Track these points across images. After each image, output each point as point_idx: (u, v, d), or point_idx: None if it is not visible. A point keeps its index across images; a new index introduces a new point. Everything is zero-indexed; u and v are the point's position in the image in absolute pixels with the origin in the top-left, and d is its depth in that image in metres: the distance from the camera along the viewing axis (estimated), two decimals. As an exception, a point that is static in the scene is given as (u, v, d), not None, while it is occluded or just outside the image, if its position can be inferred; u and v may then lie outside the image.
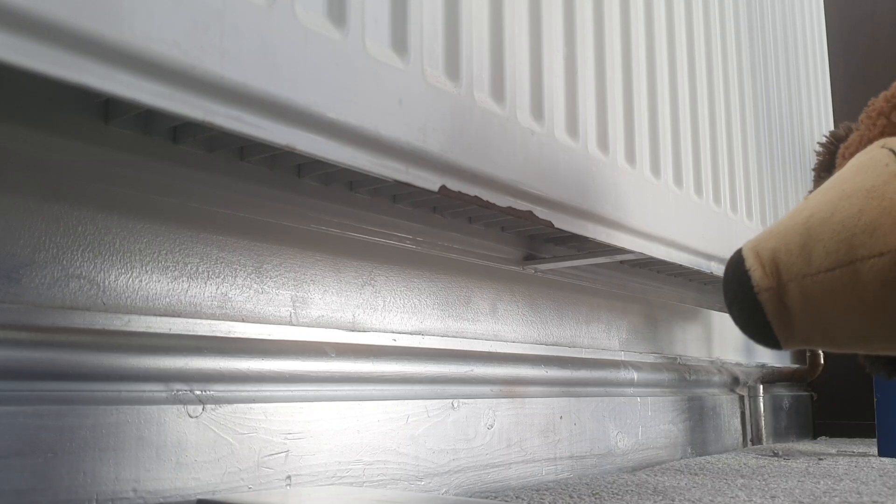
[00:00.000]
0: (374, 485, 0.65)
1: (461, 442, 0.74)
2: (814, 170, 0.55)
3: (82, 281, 0.51)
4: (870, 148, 0.42)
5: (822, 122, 1.26)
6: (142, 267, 0.54)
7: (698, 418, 1.16)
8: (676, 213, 0.81)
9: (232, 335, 0.58)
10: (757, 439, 1.33)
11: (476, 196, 0.57)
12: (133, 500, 0.50)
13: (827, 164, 0.53)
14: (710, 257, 0.87)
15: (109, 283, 0.52)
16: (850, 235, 0.36)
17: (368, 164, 0.49)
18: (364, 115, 0.48)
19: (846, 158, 0.46)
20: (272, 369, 0.59)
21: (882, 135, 0.43)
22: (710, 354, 1.27)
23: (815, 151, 0.55)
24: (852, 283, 0.36)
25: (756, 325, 0.39)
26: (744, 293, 0.39)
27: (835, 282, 0.36)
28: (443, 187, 0.54)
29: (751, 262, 0.38)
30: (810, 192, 0.46)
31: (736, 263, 0.40)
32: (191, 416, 0.53)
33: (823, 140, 0.54)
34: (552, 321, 0.92)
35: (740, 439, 1.29)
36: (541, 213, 0.63)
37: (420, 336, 0.74)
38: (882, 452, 1.08)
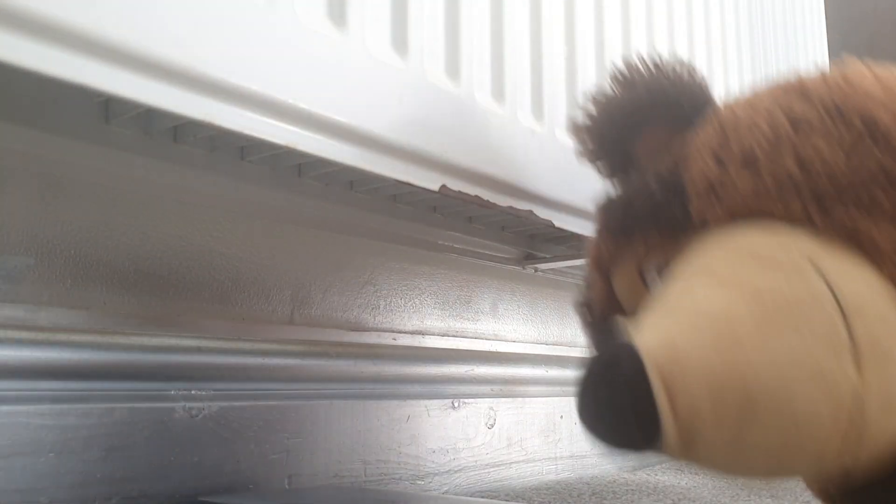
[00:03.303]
0: (374, 484, 0.65)
1: (462, 441, 0.74)
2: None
3: (83, 281, 0.51)
4: (790, 263, 0.29)
5: (822, 121, 1.25)
6: (142, 267, 0.54)
7: (699, 418, 1.16)
8: (677, 213, 0.81)
9: (232, 335, 0.58)
10: (757, 438, 1.33)
11: (476, 195, 0.57)
12: (134, 500, 0.50)
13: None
14: (710, 257, 0.87)
15: (110, 282, 0.52)
16: (797, 446, 0.26)
17: (369, 164, 0.49)
18: (365, 115, 0.48)
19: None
20: (272, 369, 0.59)
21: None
22: (711, 354, 1.27)
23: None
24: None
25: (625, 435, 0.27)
26: (636, 434, 0.26)
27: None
28: (443, 187, 0.54)
29: (663, 405, 0.25)
30: None
31: (636, 386, 0.26)
32: (191, 416, 0.53)
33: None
34: (553, 320, 0.92)
35: (741, 438, 1.29)
36: (541, 212, 0.63)
37: (420, 336, 0.74)
38: (882, 452, 1.07)
